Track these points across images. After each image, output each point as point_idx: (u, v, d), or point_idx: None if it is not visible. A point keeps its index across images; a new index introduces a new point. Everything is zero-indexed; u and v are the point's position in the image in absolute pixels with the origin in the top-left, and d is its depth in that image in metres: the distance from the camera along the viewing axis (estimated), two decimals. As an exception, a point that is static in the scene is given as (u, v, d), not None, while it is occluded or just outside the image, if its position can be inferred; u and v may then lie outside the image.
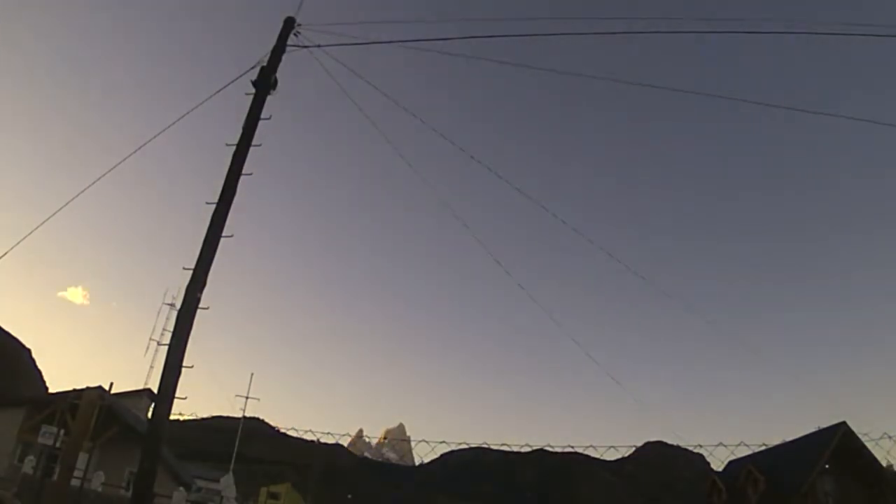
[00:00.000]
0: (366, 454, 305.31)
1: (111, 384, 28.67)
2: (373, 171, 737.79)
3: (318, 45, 13.13)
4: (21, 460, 29.84)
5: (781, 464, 33.40)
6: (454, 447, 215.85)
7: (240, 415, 50.02)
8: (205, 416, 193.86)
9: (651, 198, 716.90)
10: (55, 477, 22.04)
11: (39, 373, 56.36)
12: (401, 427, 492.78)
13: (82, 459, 23.82)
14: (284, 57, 12.62)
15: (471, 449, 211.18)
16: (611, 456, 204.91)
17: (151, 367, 10.28)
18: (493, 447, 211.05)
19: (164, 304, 11.04)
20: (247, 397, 49.26)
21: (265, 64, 12.39)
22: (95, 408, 21.56)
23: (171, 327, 10.15)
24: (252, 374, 51.53)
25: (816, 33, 12.79)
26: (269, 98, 12.20)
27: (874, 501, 29.43)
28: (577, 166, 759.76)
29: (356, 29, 13.86)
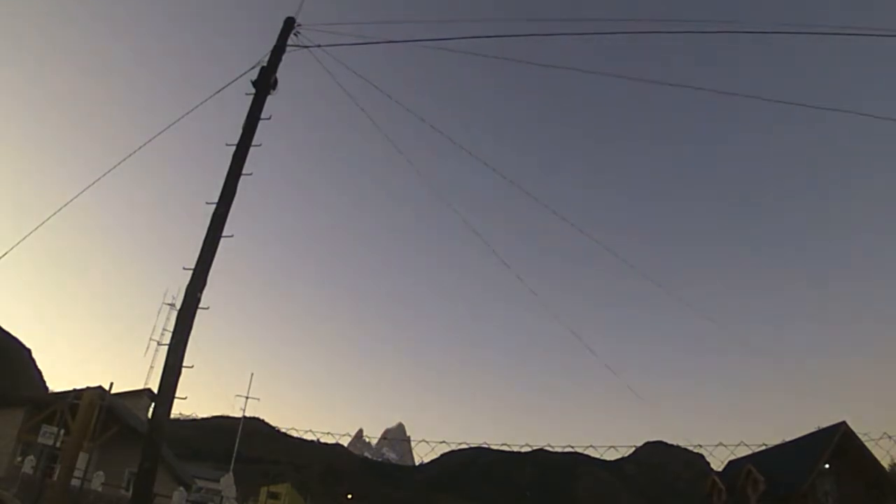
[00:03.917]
0: (366, 454, 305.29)
1: (111, 384, 28.63)
2: (373, 171, 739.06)
3: (318, 45, 13.14)
4: (21, 460, 29.82)
5: (781, 464, 33.40)
6: (454, 447, 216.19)
7: (240, 415, 50.07)
8: (205, 416, 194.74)
9: (653, 197, 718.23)
10: (55, 477, 22.03)
11: (39, 373, 56.32)
12: (401, 427, 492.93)
13: (82, 459, 23.80)
14: (284, 57, 12.62)
15: (471, 449, 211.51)
16: (611, 456, 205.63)
17: (151, 367, 10.28)
18: (493, 447, 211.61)
19: (164, 304, 11.04)
20: (247, 397, 49.33)
21: (265, 64, 12.38)
22: (95, 408, 21.58)
23: (171, 327, 10.15)
24: (252, 374, 51.63)
25: (816, 33, 12.78)
26: (269, 98, 12.21)
27: (874, 501, 29.41)
28: (577, 163, 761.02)
29: (356, 29, 13.88)
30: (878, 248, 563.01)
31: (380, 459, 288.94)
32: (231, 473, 41.95)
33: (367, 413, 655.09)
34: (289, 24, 12.93)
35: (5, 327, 53.65)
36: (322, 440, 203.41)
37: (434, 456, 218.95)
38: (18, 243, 12.55)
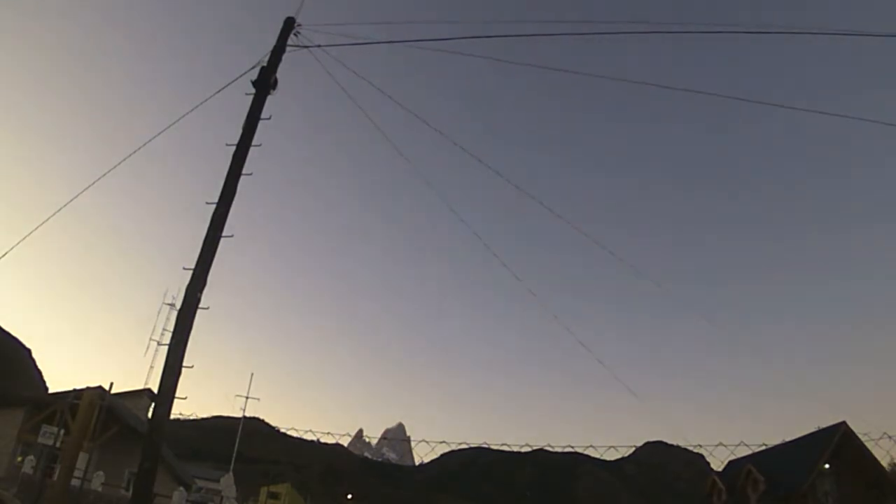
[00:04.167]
0: (366, 454, 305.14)
1: (111, 384, 28.55)
2: (372, 171, 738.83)
3: (318, 45, 13.13)
4: (21, 460, 29.80)
5: (781, 464, 33.39)
6: (454, 447, 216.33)
7: (240, 415, 50.02)
8: (205, 416, 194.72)
9: (654, 197, 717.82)
10: (55, 477, 22.01)
11: (39, 373, 56.17)
12: (401, 427, 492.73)
13: (82, 459, 23.79)
14: (284, 57, 12.61)
15: (471, 449, 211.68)
16: (611, 456, 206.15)
17: (151, 367, 10.26)
18: (493, 447, 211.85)
19: (164, 304, 11.01)
20: (247, 397, 49.25)
21: (265, 64, 12.37)
22: (95, 408, 21.57)
23: (171, 327, 10.13)
24: (252, 374, 51.58)
25: (816, 33, 12.77)
26: (269, 98, 12.19)
27: (874, 501, 29.40)
28: (577, 164, 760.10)
29: (356, 29, 13.87)
30: (879, 249, 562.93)
31: (380, 459, 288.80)
32: (231, 473, 41.90)
33: (367, 413, 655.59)
34: (289, 25, 12.92)
35: (5, 327, 53.53)
36: (322, 440, 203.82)
37: (434, 456, 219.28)
38: (18, 243, 12.55)
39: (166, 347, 9.87)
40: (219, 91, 12.86)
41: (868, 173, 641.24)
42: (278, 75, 12.40)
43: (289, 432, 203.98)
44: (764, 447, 46.12)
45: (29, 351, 56.35)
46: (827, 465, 29.87)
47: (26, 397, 35.06)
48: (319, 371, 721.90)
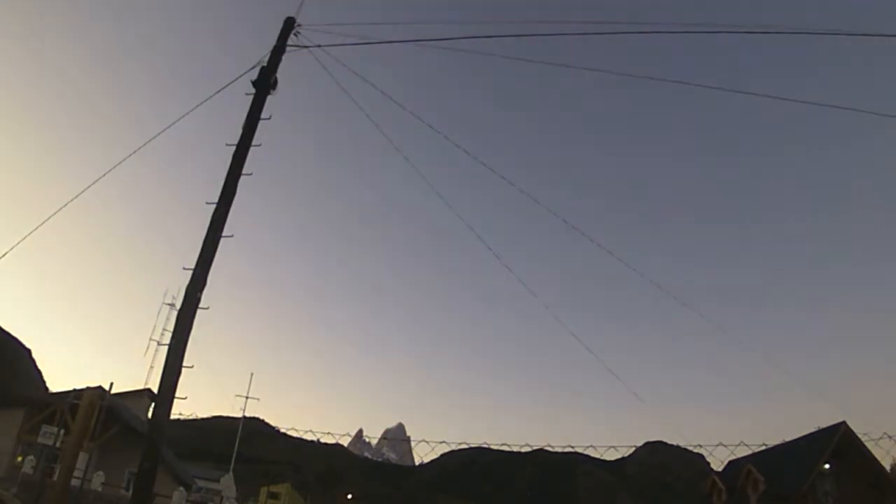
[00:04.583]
0: (366, 454, 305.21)
1: (111, 384, 28.57)
2: (372, 171, 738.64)
3: (318, 45, 13.12)
4: (21, 460, 29.80)
5: (781, 464, 33.37)
6: (454, 447, 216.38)
7: (240, 415, 50.00)
8: (205, 416, 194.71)
9: (654, 197, 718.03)
10: (55, 477, 22.00)
11: (39, 373, 56.14)
12: (401, 427, 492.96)
13: (82, 459, 23.78)
14: (284, 57, 12.61)
15: (471, 449, 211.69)
16: (611, 456, 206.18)
17: (151, 367, 10.26)
18: (493, 447, 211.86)
19: (164, 304, 11.01)
20: (247, 397, 49.25)
21: (265, 64, 12.37)
22: (95, 408, 21.55)
23: (171, 327, 10.13)
24: (252, 374, 51.52)
25: (816, 33, 12.79)
26: (269, 98, 12.19)
27: (874, 501, 29.39)
28: (578, 164, 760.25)
29: (356, 29, 13.86)
30: (879, 249, 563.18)
31: (380, 459, 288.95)
32: (231, 473, 41.90)
33: (367, 413, 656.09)
34: (289, 25, 12.92)
35: (5, 327, 53.47)
36: (322, 440, 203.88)
37: (434, 456, 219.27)
38: (18, 243, 12.55)
39: (166, 347, 9.88)
40: (219, 91, 12.86)
41: (866, 171, 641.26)
42: (278, 75, 12.40)
43: (289, 432, 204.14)
44: (764, 447, 46.10)
45: (29, 351, 56.31)
46: (827, 465, 29.83)
47: (26, 397, 35.07)
48: (319, 371, 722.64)
